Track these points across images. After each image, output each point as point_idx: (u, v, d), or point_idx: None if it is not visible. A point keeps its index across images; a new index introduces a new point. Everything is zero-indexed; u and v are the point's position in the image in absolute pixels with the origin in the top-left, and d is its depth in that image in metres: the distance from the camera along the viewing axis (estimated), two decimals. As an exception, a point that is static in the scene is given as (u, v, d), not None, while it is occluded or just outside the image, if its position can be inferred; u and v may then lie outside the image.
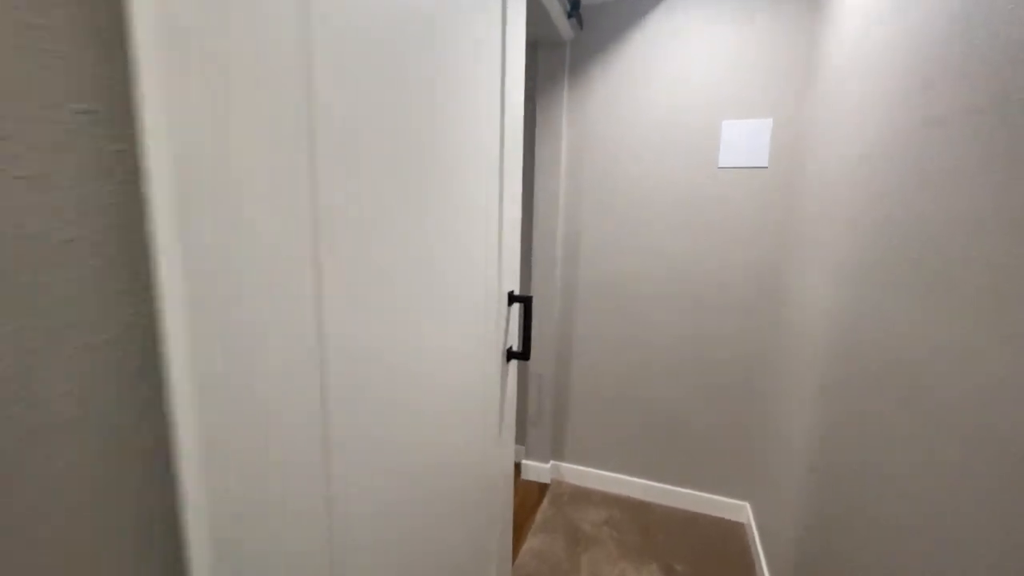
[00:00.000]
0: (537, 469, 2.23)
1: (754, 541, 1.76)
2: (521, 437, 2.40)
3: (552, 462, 2.24)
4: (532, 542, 1.83)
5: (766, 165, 1.67)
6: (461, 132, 0.82)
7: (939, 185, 0.73)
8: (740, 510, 1.95)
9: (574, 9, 1.66)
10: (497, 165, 1.00)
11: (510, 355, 1.16)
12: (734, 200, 1.74)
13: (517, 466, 2.35)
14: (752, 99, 1.65)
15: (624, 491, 2.12)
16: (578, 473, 2.20)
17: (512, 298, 1.14)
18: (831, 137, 1.32)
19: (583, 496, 2.13)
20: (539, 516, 1.99)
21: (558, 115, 1.92)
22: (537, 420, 2.21)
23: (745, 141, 1.67)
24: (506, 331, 1.13)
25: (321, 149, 0.50)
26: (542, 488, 2.20)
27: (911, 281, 0.81)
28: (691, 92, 1.73)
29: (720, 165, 1.72)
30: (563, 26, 1.76)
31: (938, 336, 0.71)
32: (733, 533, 1.90)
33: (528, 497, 2.13)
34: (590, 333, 2.07)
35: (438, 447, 0.84)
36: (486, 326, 1.03)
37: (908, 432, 0.77)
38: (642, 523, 1.94)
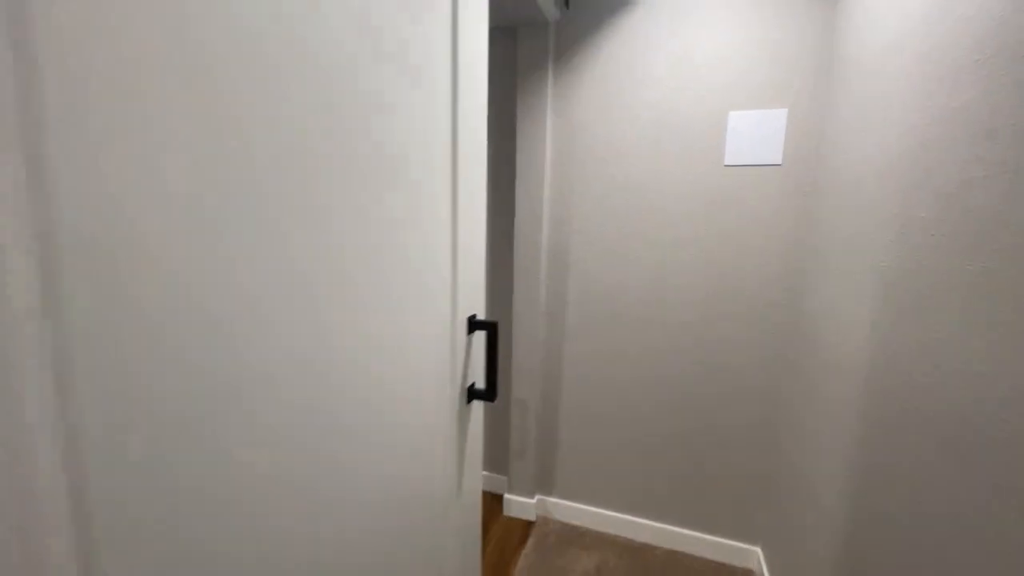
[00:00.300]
0: (521, 505, 1.98)
1: (768, 597, 1.52)
2: (503, 467, 2.16)
3: (538, 497, 2.00)
4: (512, 597, 1.59)
5: (780, 162, 1.45)
6: (389, 132, 0.60)
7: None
8: (749, 555, 1.71)
9: (558, -17, 1.44)
10: (448, 169, 0.78)
11: (472, 394, 0.92)
12: (743, 203, 1.52)
13: (499, 500, 2.11)
14: (764, 85, 1.43)
15: (619, 531, 1.88)
16: (567, 510, 1.96)
17: (473, 324, 0.91)
18: (868, 122, 1.10)
19: (573, 537, 1.89)
20: (521, 562, 1.74)
21: (541, 108, 1.70)
22: (521, 450, 1.97)
23: (755, 134, 1.45)
24: (466, 365, 0.90)
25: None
26: (526, 527, 1.95)
27: (987, 303, 0.58)
28: (693, 77, 1.51)
29: (727, 163, 1.50)
30: (546, 5, 1.54)
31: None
32: (743, 584, 1.66)
33: (510, 537, 1.88)
34: (581, 353, 1.84)
35: (364, 540, 0.60)
36: (436, 362, 0.80)
37: (968, 500, 0.54)
38: (640, 570, 1.70)
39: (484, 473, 2.19)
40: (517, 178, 1.78)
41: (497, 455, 2.16)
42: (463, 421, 0.91)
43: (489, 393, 0.91)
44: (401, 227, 0.66)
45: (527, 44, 1.69)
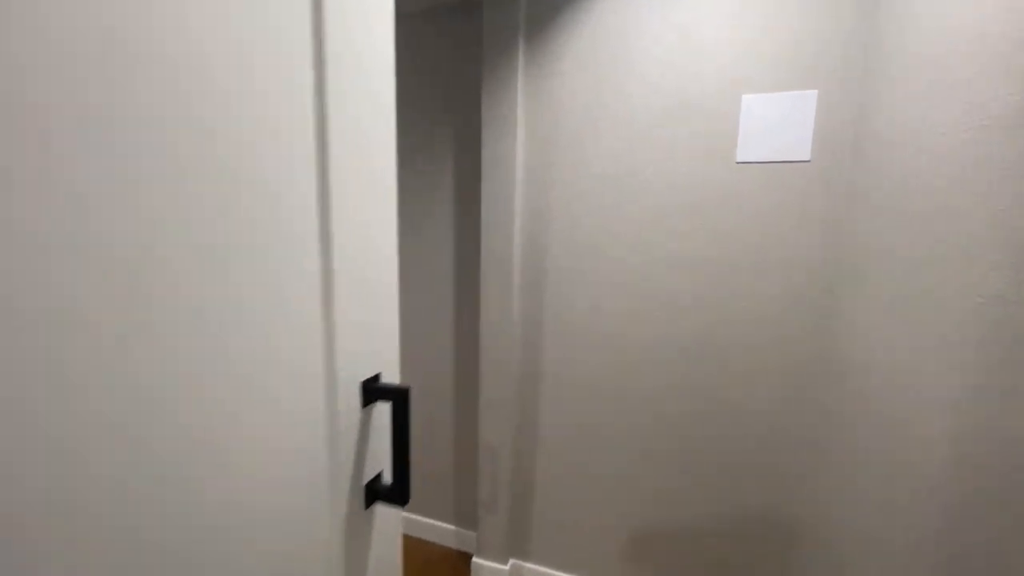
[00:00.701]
0: (492, 572, 1.65)
1: None
2: (471, 521, 1.83)
3: (512, 561, 1.67)
4: None
5: (808, 158, 1.15)
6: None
7: None
8: (769, 642, 1.39)
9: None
10: (313, 158, 0.47)
11: (372, 494, 0.61)
12: (759, 209, 1.21)
13: (467, 561, 1.78)
14: (787, 61, 1.14)
15: (608, 606, 1.55)
16: (546, 578, 1.63)
17: (372, 391, 0.59)
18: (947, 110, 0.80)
19: (552, 613, 1.55)
20: (488, 652, 1.41)
21: (510, 98, 1.40)
22: (491, 503, 1.65)
23: (776, 123, 1.15)
24: (359, 453, 0.59)
25: None
26: (498, 599, 1.62)
27: None
28: (698, 52, 1.21)
29: (740, 159, 1.20)
30: (516, -35, 1.25)
31: None
32: None
33: (477, 615, 1.55)
34: (562, 391, 1.52)
35: None
36: (310, 451, 0.49)
37: None
38: (633, 664, 1.37)
39: (450, 528, 1.86)
40: (482, 181, 1.48)
41: (465, 508, 1.84)
42: (358, 536, 0.60)
43: (397, 493, 0.59)
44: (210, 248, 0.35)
45: (492, 21, 1.39)
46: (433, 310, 1.74)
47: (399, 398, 0.58)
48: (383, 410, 0.62)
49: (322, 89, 0.48)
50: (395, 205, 0.61)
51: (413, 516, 1.95)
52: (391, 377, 0.63)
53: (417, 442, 1.87)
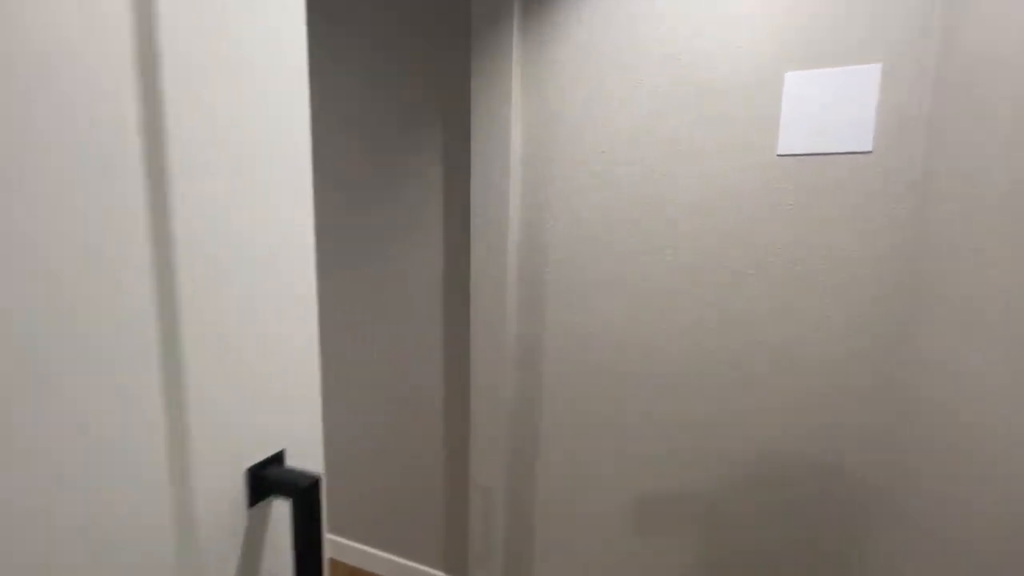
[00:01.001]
0: (484, 633, 1.42)
1: None
2: (462, 572, 1.60)
3: (507, 621, 1.44)
4: None
5: (869, 148, 0.94)
6: None
7: None
8: None
9: None
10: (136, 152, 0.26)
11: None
12: (806, 211, 1.00)
13: (457, 618, 1.55)
14: (841, 29, 0.93)
15: None
16: (547, 643, 1.39)
17: (264, 483, 0.38)
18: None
19: None
20: None
21: (503, 82, 1.20)
22: (485, 554, 1.42)
23: (828, 107, 0.94)
24: (251, 569, 0.38)
25: None
26: (490, 667, 1.38)
27: None
28: (728, 21, 1.01)
29: (781, 151, 0.99)
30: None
31: None
32: None
33: None
34: (566, 422, 1.30)
35: None
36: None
37: None
38: None
39: (438, 576, 1.63)
40: (472, 179, 1.27)
41: (455, 557, 1.61)
42: None
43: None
44: None
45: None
46: (419, 324, 1.53)
47: (302, 494, 0.36)
48: (281, 514, 0.40)
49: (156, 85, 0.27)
50: (308, 211, 0.40)
51: (397, 559, 1.73)
52: (305, 455, 0.42)
53: (403, 472, 1.65)
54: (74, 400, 0.26)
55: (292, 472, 0.38)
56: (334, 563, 1.76)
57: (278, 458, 0.39)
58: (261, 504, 0.38)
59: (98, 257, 0.27)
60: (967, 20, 0.80)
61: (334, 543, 1.78)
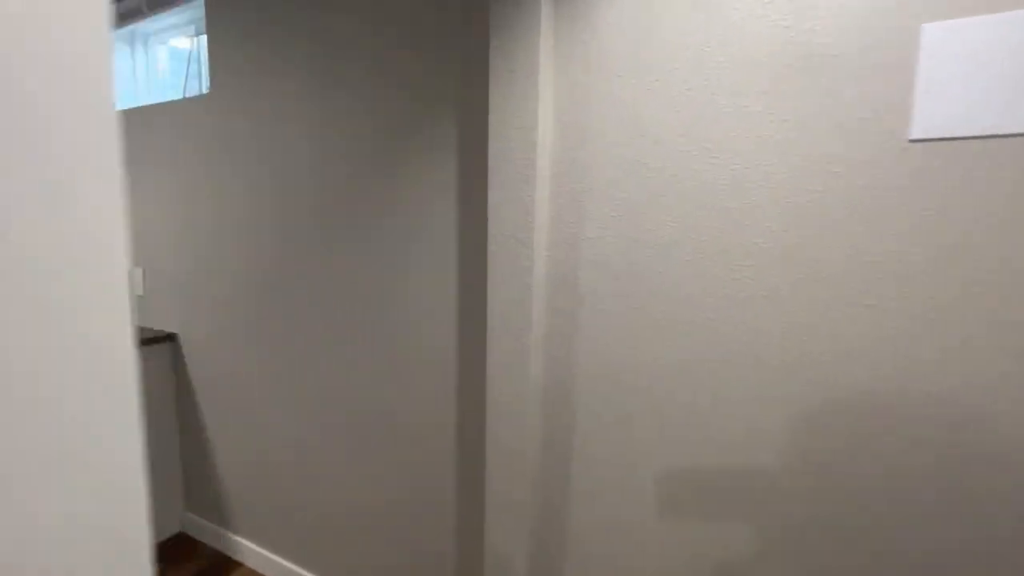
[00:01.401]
0: None
1: None
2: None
3: None
4: None
5: (1053, 127, 0.65)
6: None
7: None
8: None
9: None
10: None
11: None
12: (956, 215, 0.71)
13: None
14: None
15: None
16: None
17: None
18: None
19: None
20: None
21: (530, 60, 0.95)
22: (502, 643, 1.15)
23: (987, 70, 0.66)
24: None
25: None
26: None
27: None
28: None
29: (915, 135, 0.71)
30: None
31: None
32: None
33: None
34: (603, 480, 1.03)
35: None
36: None
37: None
38: None
39: (447, 659, 1.37)
40: (489, 184, 1.03)
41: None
42: None
43: None
44: None
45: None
46: (428, 353, 1.29)
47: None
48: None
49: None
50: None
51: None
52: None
53: (411, 522, 1.40)
54: None
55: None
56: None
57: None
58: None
59: None
60: None
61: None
